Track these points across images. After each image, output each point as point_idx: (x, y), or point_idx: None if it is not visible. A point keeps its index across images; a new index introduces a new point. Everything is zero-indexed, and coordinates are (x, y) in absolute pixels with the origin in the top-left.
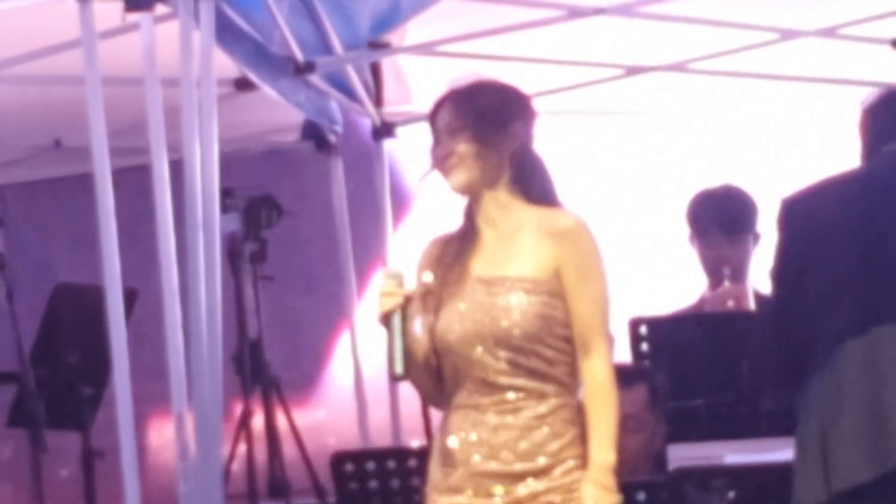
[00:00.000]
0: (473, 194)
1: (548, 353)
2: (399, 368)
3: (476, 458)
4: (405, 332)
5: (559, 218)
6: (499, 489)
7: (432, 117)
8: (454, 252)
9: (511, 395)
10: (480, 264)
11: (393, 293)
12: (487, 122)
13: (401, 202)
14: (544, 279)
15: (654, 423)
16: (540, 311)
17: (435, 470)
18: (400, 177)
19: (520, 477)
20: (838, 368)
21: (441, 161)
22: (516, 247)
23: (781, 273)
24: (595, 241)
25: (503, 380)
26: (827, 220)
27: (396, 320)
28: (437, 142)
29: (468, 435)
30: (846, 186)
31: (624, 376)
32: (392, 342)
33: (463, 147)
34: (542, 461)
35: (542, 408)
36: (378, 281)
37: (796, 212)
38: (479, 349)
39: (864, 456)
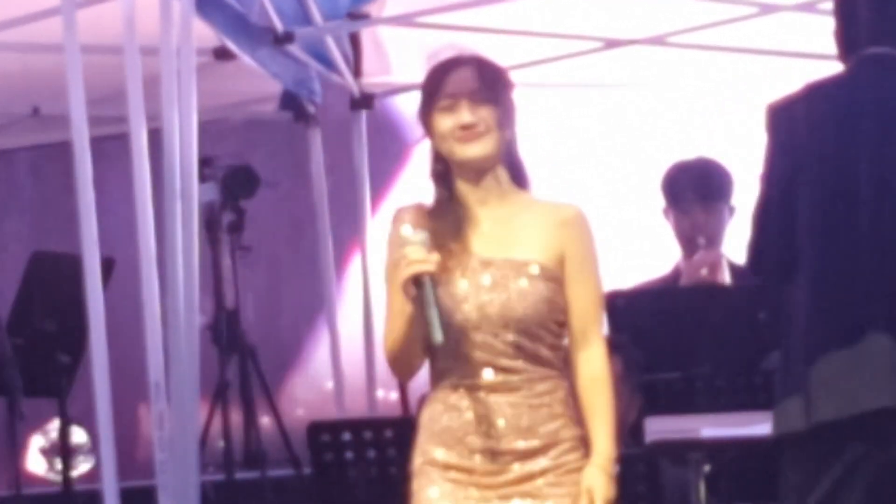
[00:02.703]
0: (480, 169)
1: (548, 338)
2: (439, 336)
3: (474, 436)
4: (437, 299)
5: (564, 209)
6: (497, 467)
7: (439, 80)
8: (445, 228)
9: (511, 377)
10: (481, 244)
11: (424, 260)
12: (509, 97)
13: (378, 172)
14: (550, 266)
15: (629, 394)
16: (546, 296)
17: (427, 448)
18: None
19: (519, 455)
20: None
21: (466, 128)
22: (520, 231)
23: (771, 177)
24: (593, 234)
25: (505, 361)
26: (809, 127)
27: (429, 287)
28: (451, 108)
29: (466, 413)
30: (829, 93)
31: None
32: (428, 310)
33: (491, 117)
34: (541, 440)
35: (541, 388)
36: (407, 247)
37: (781, 117)
38: (485, 329)
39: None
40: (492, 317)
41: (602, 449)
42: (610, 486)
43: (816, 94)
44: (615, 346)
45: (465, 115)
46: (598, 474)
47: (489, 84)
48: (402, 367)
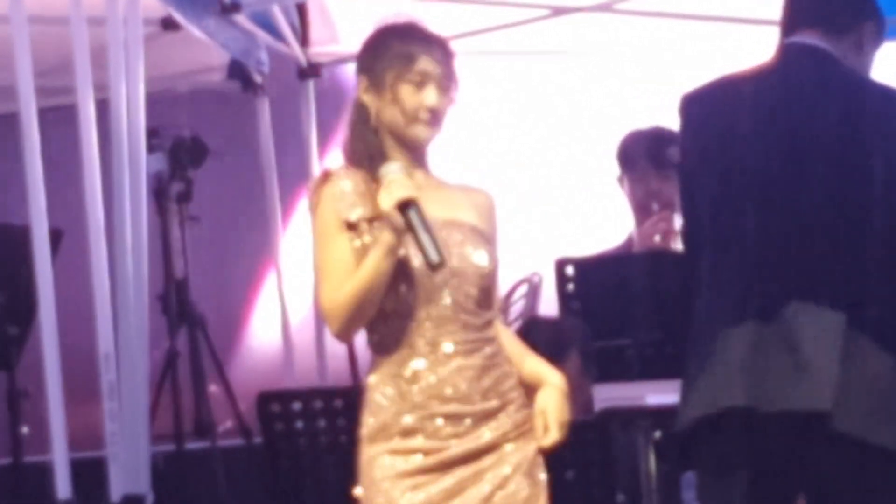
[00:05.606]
0: (419, 149)
1: (493, 299)
2: (436, 256)
3: (436, 399)
4: (425, 222)
5: (483, 193)
6: (460, 429)
7: (414, 52)
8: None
9: (469, 336)
10: (432, 207)
11: (408, 184)
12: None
13: (325, 141)
14: (490, 233)
15: (589, 387)
16: (494, 258)
17: (378, 412)
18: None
19: (481, 416)
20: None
21: (434, 112)
22: (456, 201)
23: (683, 171)
24: None
25: (466, 318)
26: (725, 119)
27: (414, 211)
28: (420, 85)
29: (426, 376)
30: (746, 85)
31: (556, 348)
32: (421, 234)
33: (445, 108)
34: (499, 399)
35: (489, 349)
36: (391, 174)
37: (695, 109)
38: (451, 287)
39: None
40: (457, 273)
41: (552, 378)
42: (566, 407)
43: (731, 85)
44: (570, 339)
45: (434, 97)
46: (554, 393)
47: (452, 74)
48: (353, 319)
